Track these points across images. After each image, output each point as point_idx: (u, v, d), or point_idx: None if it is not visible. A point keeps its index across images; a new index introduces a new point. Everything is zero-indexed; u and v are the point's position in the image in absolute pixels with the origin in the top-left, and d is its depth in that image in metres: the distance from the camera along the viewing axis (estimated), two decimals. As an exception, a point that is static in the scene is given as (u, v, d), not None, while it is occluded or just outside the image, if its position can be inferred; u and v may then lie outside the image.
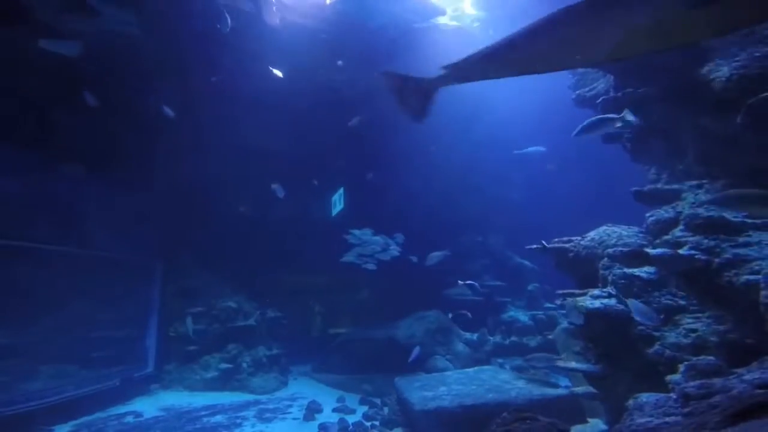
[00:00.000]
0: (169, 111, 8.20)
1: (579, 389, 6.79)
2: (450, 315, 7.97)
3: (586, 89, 7.42)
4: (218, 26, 7.76)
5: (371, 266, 10.30)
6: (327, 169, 11.16)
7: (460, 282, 8.07)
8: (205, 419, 7.91)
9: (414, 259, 9.87)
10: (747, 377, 3.07)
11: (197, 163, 9.89)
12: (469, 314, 8.40)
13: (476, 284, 8.50)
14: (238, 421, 7.82)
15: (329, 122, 11.17)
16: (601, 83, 7.26)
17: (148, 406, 8.74)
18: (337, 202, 10.67)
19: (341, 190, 10.70)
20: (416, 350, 9.54)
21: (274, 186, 8.01)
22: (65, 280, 8.59)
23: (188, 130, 9.24)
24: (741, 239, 3.99)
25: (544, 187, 12.43)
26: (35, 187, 8.29)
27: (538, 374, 7.99)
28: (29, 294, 8.05)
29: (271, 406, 8.74)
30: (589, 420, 6.84)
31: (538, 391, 7.06)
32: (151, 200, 9.81)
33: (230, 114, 9.61)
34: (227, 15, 7.88)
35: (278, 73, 9.56)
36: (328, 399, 8.96)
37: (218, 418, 7.99)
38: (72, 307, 9.01)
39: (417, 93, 2.45)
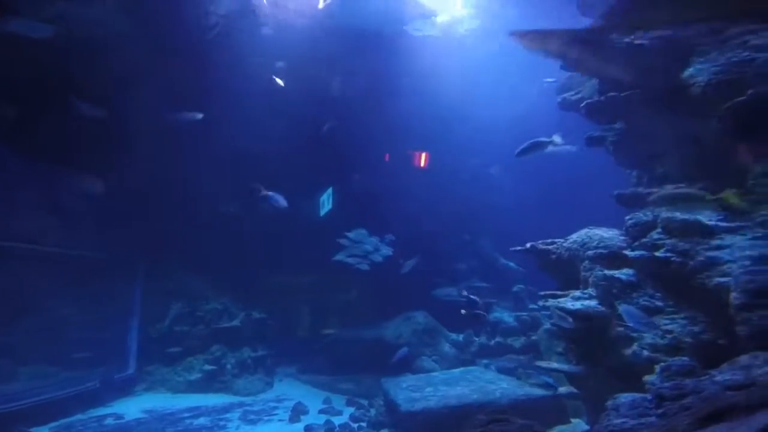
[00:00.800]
0: (194, 115, 8.15)
1: (562, 389, 6.86)
2: (462, 311, 8.12)
3: (572, 93, 7.52)
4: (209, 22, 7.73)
5: (365, 267, 10.37)
6: (316, 168, 11.12)
7: (463, 294, 8.27)
8: (187, 421, 7.83)
9: (401, 260, 9.90)
10: (718, 378, 3.13)
11: (184, 162, 9.78)
12: (483, 313, 8.54)
13: (477, 299, 8.67)
14: (222, 423, 7.76)
15: (319, 122, 11.13)
16: (586, 87, 7.35)
17: (129, 407, 8.61)
18: (326, 202, 10.64)
19: (330, 190, 10.68)
20: (402, 350, 9.59)
21: (272, 194, 7.97)
22: (45, 280, 8.41)
23: (175, 128, 9.13)
24: (714, 242, 4.08)
25: (531, 190, 12.55)
26: (14, 184, 8.13)
27: (525, 375, 8.08)
28: (8, 294, 7.87)
29: (255, 408, 8.70)
30: (573, 420, 6.91)
31: (521, 391, 7.16)
32: (134, 199, 9.67)
33: (218, 112, 9.52)
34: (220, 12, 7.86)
35: (280, 81, 9.55)
36: (314, 400, 8.95)
37: (201, 420, 7.92)
38: (52, 308, 8.84)
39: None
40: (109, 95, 8.20)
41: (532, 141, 5.81)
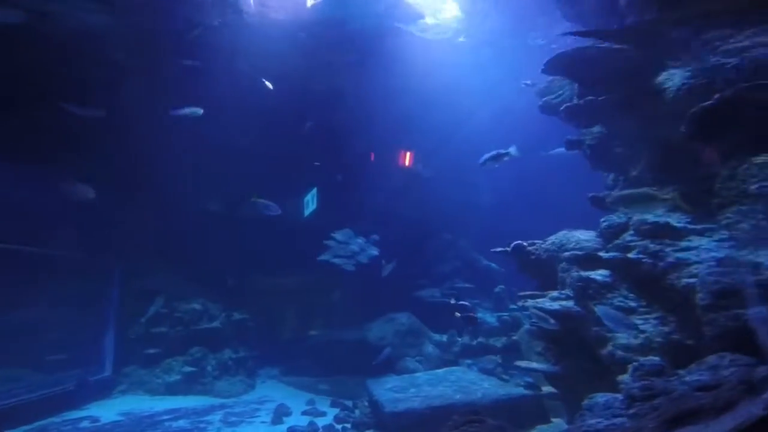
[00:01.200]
0: (195, 111, 8.02)
1: (544, 389, 6.93)
2: (457, 314, 8.23)
3: (553, 96, 7.61)
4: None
5: (350, 267, 10.37)
6: (300, 168, 11.03)
7: (452, 301, 8.39)
8: (166, 424, 7.70)
9: (384, 261, 9.92)
10: (687, 378, 3.20)
11: (165, 159, 9.60)
12: (476, 316, 8.68)
13: (468, 304, 8.75)
14: (203, 425, 7.65)
15: (304, 121, 11.05)
16: (566, 90, 7.44)
17: (105, 410, 8.43)
18: (310, 202, 10.57)
19: (314, 191, 10.61)
20: (386, 351, 9.60)
21: (265, 201, 7.89)
22: (18, 280, 8.16)
23: (155, 125, 8.96)
24: (683, 243, 4.17)
25: (512, 192, 12.70)
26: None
27: (506, 375, 8.16)
28: (-23, 294, 7.62)
29: (237, 410, 8.61)
30: (553, 420, 6.98)
31: (503, 391, 7.25)
32: (113, 197, 9.44)
33: (202, 109, 9.40)
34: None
35: (269, 84, 9.45)
36: (297, 402, 8.91)
37: (181, 422, 7.79)
38: (25, 308, 8.58)
39: None
40: (89, 91, 8.00)
41: (492, 152, 6.51)
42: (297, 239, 10.45)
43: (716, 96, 3.91)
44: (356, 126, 11.08)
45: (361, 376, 9.00)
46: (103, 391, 9.37)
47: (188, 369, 9.76)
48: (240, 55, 9.79)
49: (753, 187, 3.63)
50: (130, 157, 9.28)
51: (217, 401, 9.25)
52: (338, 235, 10.50)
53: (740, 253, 3.48)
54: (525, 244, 6.54)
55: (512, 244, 6.71)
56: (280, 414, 8.04)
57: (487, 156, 6.43)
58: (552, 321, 5.12)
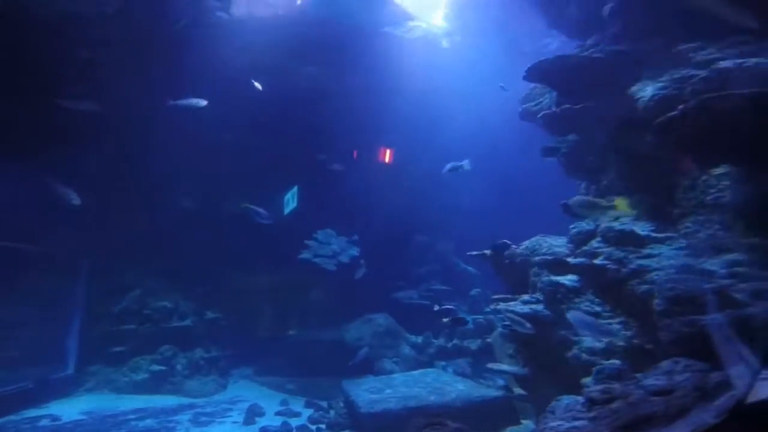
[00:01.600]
0: (198, 101, 7.69)
1: (517, 391, 7.03)
2: (445, 320, 8.38)
3: (533, 103, 7.75)
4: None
5: (332, 267, 10.36)
6: (281, 165, 10.91)
7: (436, 307, 8.59)
8: (132, 423, 7.53)
9: (362, 261, 9.93)
10: (644, 383, 3.30)
11: (137, 155, 9.36)
12: (467, 320, 8.86)
13: (453, 307, 8.93)
14: (171, 425, 7.52)
15: (287, 119, 10.95)
16: (546, 98, 7.59)
17: (67, 409, 8.18)
18: (291, 200, 10.47)
19: (295, 188, 10.53)
20: (363, 351, 9.61)
21: (256, 209, 7.79)
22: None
23: (131, 119, 8.74)
24: (645, 251, 4.31)
25: (495, 196, 12.87)
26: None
27: (480, 376, 8.27)
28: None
29: (208, 410, 8.48)
30: (523, 422, 7.08)
31: (476, 393, 7.37)
32: (82, 193, 9.14)
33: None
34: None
35: (258, 85, 9.32)
36: (271, 402, 8.84)
37: (148, 422, 7.63)
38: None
39: None
40: (63, 81, 7.74)
41: (449, 165, 7.40)
42: (275, 237, 10.33)
43: (680, 107, 4.04)
44: (339, 124, 11.04)
45: (336, 376, 8.98)
46: (66, 389, 9.07)
47: (157, 368, 9.55)
48: (226, 50, 9.63)
49: (709, 197, 3.78)
50: (102, 151, 9.02)
51: (187, 401, 9.07)
52: (320, 235, 10.45)
53: (696, 261, 3.62)
54: (509, 243, 6.64)
55: (497, 242, 6.85)
56: (252, 414, 7.96)
57: (447, 167, 7.21)
58: (528, 325, 5.22)
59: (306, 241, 10.56)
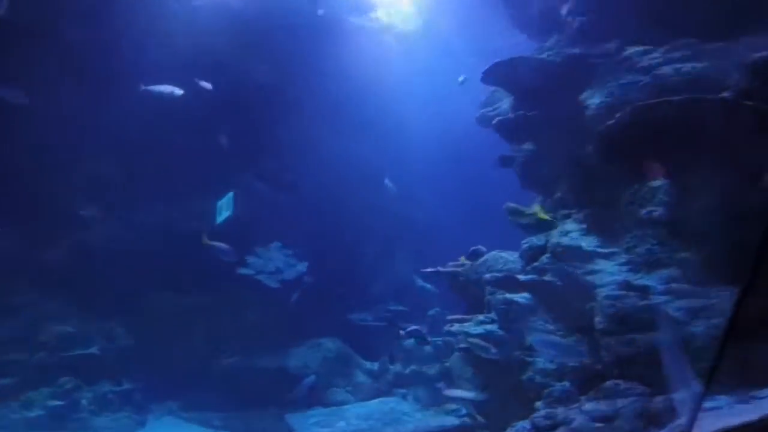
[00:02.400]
0: (174, 90, 7.39)
1: (478, 418, 7.26)
2: (413, 340, 8.42)
3: (490, 108, 8.15)
4: None
5: (275, 284, 10.32)
6: (215, 169, 10.66)
7: (402, 332, 8.70)
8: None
9: (308, 278, 9.91)
10: (586, 407, 3.57)
11: (28, 151, 8.84)
12: (427, 337, 8.88)
13: (419, 329, 8.99)
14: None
15: (226, 115, 10.76)
16: (504, 103, 8.02)
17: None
18: (224, 207, 10.17)
19: (230, 194, 10.25)
20: (309, 380, 9.54)
21: (219, 245, 7.55)
22: None
23: (27, 112, 8.24)
24: (590, 266, 4.65)
25: (451, 207, 13.22)
26: None
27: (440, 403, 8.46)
28: None
29: (120, 453, 8.00)
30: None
31: (434, 423, 7.58)
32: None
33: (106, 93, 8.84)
34: None
35: (207, 85, 9.10)
36: (197, 442, 8.48)
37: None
38: None
39: None
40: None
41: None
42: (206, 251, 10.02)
43: (617, 115, 4.42)
44: (285, 124, 11.01)
45: (280, 409, 8.85)
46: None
47: (55, 403, 9.03)
48: (158, 42, 9.32)
49: (643, 212, 4.16)
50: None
51: (95, 442, 8.61)
52: (263, 249, 10.31)
53: (634, 277, 3.96)
54: (484, 249, 6.82)
55: (470, 249, 7.00)
56: (174, 456, 7.65)
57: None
58: (494, 350, 5.42)
59: (246, 256, 10.33)
